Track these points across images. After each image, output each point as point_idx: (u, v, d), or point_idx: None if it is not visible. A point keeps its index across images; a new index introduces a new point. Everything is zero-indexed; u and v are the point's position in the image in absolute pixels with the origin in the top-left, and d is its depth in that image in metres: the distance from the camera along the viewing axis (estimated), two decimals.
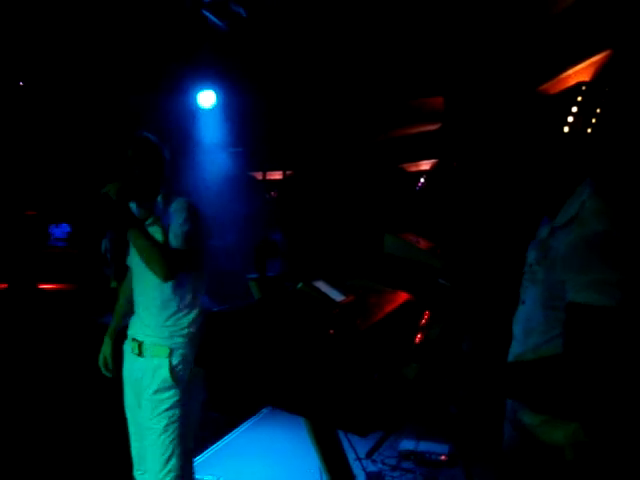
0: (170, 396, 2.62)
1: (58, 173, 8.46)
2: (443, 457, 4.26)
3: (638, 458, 1.59)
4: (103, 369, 3.01)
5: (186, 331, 2.63)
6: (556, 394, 1.53)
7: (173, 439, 2.61)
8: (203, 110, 7.45)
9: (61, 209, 8.70)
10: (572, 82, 5.20)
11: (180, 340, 2.63)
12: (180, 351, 2.62)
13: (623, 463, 1.57)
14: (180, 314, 2.64)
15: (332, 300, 1.94)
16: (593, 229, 1.50)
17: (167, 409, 2.61)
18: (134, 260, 2.74)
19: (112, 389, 4.79)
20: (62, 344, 5.70)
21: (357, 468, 3.66)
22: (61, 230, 8.74)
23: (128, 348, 2.77)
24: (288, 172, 9.90)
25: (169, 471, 2.59)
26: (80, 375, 5.18)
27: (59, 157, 8.30)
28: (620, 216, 1.52)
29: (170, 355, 2.61)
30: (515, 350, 1.79)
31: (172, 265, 2.50)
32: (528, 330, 1.71)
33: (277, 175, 9.99)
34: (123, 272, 3.10)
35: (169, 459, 2.60)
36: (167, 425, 2.60)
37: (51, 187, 8.55)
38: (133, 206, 2.71)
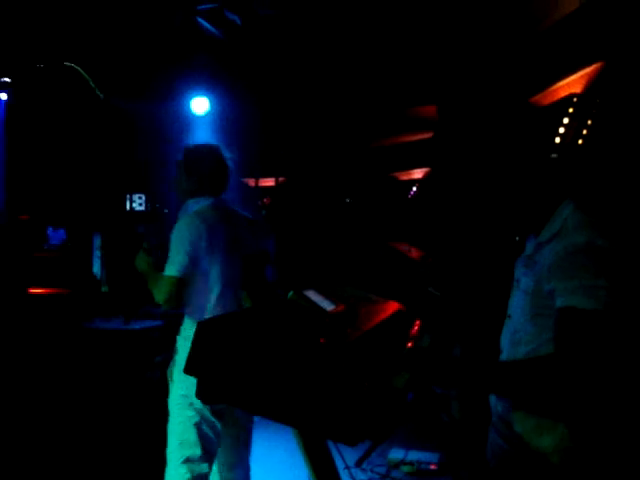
0: None
1: (55, 178, 8.46)
2: (433, 466, 4.26)
3: (626, 459, 1.63)
4: None
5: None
6: (548, 393, 1.56)
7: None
8: (196, 117, 7.46)
9: (59, 214, 8.71)
10: (564, 94, 5.23)
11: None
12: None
13: (610, 466, 1.61)
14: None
15: (323, 309, 1.94)
16: (576, 240, 1.57)
17: None
18: None
19: (101, 394, 4.78)
20: (51, 349, 5.68)
21: (346, 477, 3.65)
22: (58, 235, 8.75)
23: None
24: (281, 179, 9.90)
25: None
26: (70, 380, 5.17)
27: (55, 162, 8.29)
28: (600, 228, 1.59)
29: None
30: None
31: (156, 295, 2.75)
32: (515, 341, 1.75)
33: (270, 182, 9.98)
34: (114, 277, 3.14)
35: None
36: None
37: (49, 192, 8.56)
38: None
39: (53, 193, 8.58)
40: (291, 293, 2.03)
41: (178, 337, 2.83)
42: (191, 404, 2.67)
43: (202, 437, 2.68)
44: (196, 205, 2.87)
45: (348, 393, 1.37)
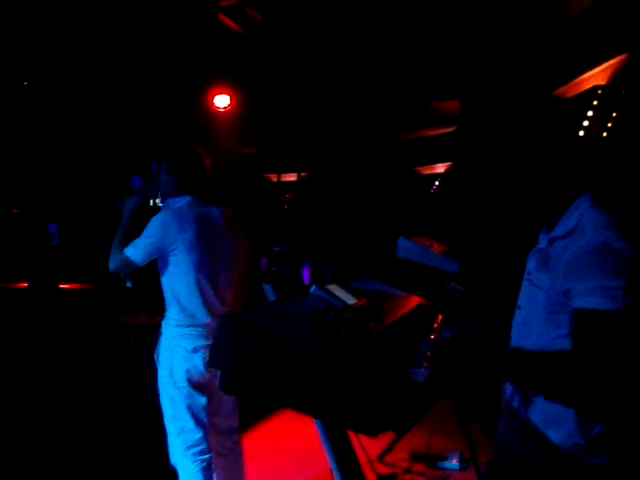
0: None
1: (65, 173, 8.50)
2: (455, 460, 4.26)
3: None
4: None
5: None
6: (565, 389, 1.55)
7: None
8: (218, 112, 7.49)
9: (49, 209, 8.76)
10: (588, 86, 5.17)
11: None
12: None
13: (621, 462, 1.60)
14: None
15: (345, 303, 1.95)
16: (593, 240, 1.54)
17: None
18: None
19: (131, 387, 4.84)
20: (84, 343, 5.79)
21: (369, 471, 3.66)
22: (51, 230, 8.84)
23: None
24: (303, 174, 9.91)
25: None
26: (102, 374, 5.26)
27: (68, 158, 8.35)
28: (617, 229, 1.55)
29: None
30: None
31: (110, 260, 3.02)
32: (526, 334, 1.74)
33: (292, 177, 10.00)
34: (138, 273, 3.22)
35: None
36: None
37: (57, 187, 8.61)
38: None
39: (64, 189, 8.63)
40: (313, 287, 2.04)
41: (162, 322, 3.07)
42: (174, 382, 2.96)
43: (191, 409, 2.96)
44: (175, 204, 3.09)
45: (369, 385, 1.38)
